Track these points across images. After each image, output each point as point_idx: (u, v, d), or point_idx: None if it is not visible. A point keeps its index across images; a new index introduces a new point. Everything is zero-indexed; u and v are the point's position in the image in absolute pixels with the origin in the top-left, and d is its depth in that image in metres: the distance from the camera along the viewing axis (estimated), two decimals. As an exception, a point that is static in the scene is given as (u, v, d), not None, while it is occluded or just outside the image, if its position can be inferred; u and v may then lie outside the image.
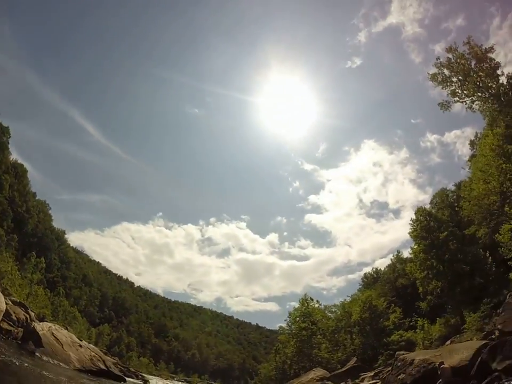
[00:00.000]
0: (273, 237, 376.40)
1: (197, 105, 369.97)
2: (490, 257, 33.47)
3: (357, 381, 27.77)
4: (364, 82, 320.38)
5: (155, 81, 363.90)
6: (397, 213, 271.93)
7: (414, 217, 37.63)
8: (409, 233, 37.82)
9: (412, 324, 39.55)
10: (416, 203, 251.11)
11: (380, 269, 63.58)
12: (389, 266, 60.07)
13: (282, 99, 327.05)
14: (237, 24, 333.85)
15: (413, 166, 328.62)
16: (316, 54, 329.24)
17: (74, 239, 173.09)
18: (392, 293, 50.38)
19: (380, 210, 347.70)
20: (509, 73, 28.56)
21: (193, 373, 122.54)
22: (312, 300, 54.44)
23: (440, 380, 13.59)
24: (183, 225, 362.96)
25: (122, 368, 43.35)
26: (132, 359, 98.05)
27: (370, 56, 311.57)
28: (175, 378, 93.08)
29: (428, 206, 44.77)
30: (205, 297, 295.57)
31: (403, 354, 19.03)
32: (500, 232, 26.52)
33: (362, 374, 29.33)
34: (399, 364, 17.55)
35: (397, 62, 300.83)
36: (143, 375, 51.16)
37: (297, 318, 52.25)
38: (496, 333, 17.56)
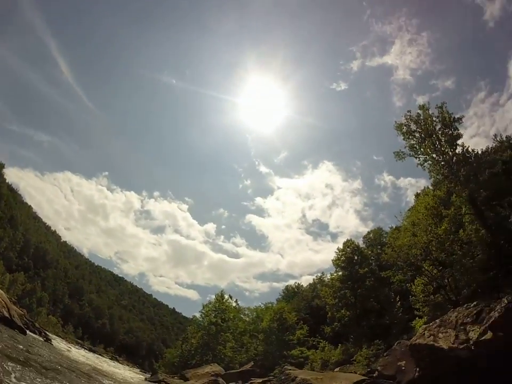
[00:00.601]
0: (211, 227, 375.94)
1: (175, 77, 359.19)
2: (399, 302, 36.05)
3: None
4: (343, 107, 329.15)
5: (142, 43, 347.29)
6: (334, 236, 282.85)
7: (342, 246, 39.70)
8: (332, 260, 39.80)
9: (314, 343, 41.49)
10: (355, 233, 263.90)
11: (302, 285, 66.11)
12: (310, 284, 62.71)
13: (258, 100, 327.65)
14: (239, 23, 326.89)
15: (362, 198, 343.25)
16: (306, 64, 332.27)
17: (12, 175, 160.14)
18: (306, 311, 52.53)
19: (319, 230, 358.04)
20: (467, 146, 30.80)
21: (99, 343, 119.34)
22: (231, 297, 55.28)
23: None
24: (125, 191, 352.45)
25: (27, 321, 41.19)
26: (40, 315, 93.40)
27: (356, 85, 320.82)
28: (80, 345, 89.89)
29: (361, 240, 47.36)
30: (129, 269, 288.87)
31: (290, 369, 20.05)
32: (414, 283, 28.94)
33: (253, 378, 30.37)
34: (283, 377, 18.52)
35: (379, 99, 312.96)
36: (48, 333, 48.73)
37: (210, 312, 52.81)
38: (376, 373, 19.12)
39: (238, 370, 37.39)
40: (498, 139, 52.33)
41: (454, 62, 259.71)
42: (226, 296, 54.63)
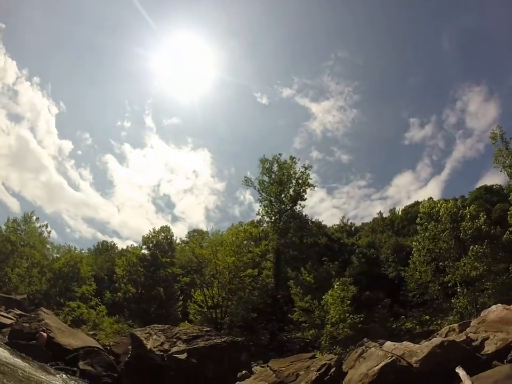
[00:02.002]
0: (67, 145, 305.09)
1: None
2: (182, 302, 38.79)
3: None
4: (266, 119, 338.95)
5: None
6: (175, 219, 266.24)
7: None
8: (144, 236, 42.62)
9: (94, 304, 41.16)
10: (194, 226, 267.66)
11: (117, 246, 65.07)
12: (123, 249, 61.61)
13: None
14: None
15: (218, 200, 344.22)
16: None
17: None
18: (107, 272, 51.75)
19: (164, 206, 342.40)
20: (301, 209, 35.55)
21: None
22: (46, 227, 50.96)
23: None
24: (9, 56, 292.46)
25: None
26: None
27: (277, 107, 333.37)
28: None
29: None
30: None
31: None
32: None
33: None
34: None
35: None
36: None
37: (12, 228, 47.85)
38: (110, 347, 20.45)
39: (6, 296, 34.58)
40: (344, 221, 61.72)
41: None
42: (34, 219, 50.19)
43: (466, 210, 26.57)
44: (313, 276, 28.93)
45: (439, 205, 27.98)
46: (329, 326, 23.33)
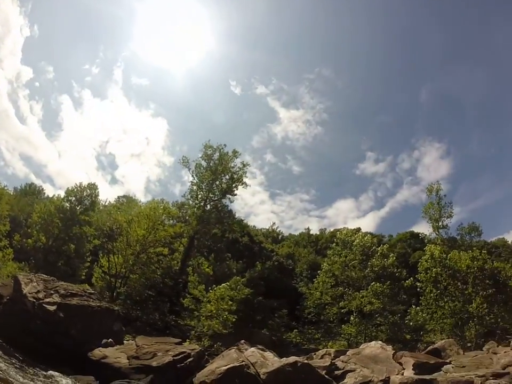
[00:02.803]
0: None
1: None
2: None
3: None
4: (232, 109, 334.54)
5: None
6: (114, 181, 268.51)
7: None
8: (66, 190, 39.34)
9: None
10: (128, 194, 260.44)
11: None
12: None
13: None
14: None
15: (163, 173, 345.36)
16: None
17: None
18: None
19: (107, 164, 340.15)
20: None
21: None
22: None
23: None
24: None
25: None
26: None
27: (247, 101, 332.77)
28: None
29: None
30: None
31: None
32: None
33: None
34: None
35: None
36: None
37: None
38: None
39: None
40: (272, 228, 62.07)
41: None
42: None
43: (378, 248, 27.31)
44: (212, 268, 28.38)
45: (355, 236, 28.59)
46: (204, 318, 23.33)
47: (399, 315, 26.72)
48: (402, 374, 13.12)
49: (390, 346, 16.35)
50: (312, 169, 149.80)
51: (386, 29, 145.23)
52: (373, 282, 24.79)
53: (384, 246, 28.26)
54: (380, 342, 17.07)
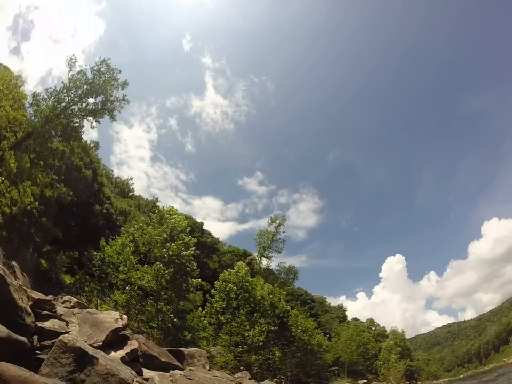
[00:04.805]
0: None
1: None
2: None
3: None
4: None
5: None
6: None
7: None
8: None
9: None
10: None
11: None
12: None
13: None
14: None
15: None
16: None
17: None
18: None
19: None
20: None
21: None
22: None
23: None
24: None
25: None
26: None
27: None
28: None
29: None
30: None
31: None
32: None
33: None
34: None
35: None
36: None
37: None
38: None
39: None
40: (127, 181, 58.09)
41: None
42: None
43: (186, 237, 27.84)
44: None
45: (174, 216, 28.33)
46: None
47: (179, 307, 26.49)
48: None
49: (126, 316, 15.52)
50: (205, 154, 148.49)
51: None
52: (158, 262, 24.03)
53: (192, 238, 28.11)
54: (122, 314, 16.24)
